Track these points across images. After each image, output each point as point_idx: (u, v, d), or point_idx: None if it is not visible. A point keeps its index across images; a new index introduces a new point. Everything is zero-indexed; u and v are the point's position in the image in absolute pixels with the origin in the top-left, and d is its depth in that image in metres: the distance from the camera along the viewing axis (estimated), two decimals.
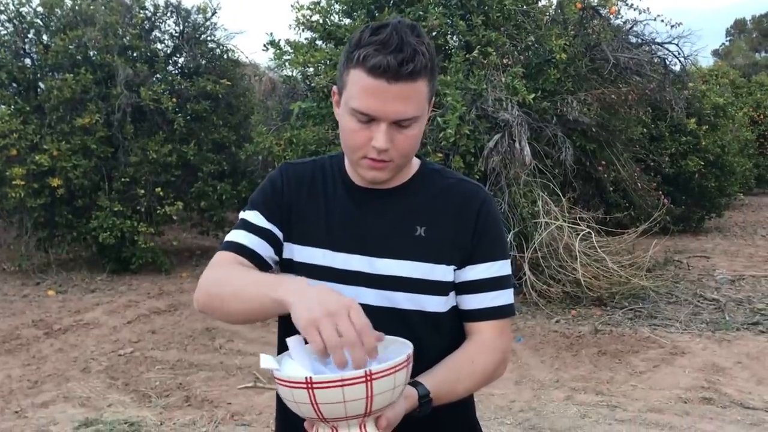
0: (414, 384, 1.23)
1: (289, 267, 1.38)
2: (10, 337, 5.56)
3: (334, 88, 1.34)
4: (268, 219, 1.37)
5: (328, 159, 1.45)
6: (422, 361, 1.29)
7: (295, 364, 1.10)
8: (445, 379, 1.29)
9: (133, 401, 4.29)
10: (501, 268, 1.37)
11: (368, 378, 1.02)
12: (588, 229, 6.47)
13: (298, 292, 1.10)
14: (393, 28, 1.19)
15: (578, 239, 6.32)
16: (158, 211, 7.90)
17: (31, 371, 4.81)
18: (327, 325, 1.03)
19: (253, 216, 1.38)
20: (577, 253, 6.21)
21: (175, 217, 8.14)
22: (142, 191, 7.80)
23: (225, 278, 1.28)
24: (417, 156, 1.42)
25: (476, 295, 1.35)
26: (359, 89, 1.21)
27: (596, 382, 4.56)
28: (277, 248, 1.38)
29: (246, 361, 4.97)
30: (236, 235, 1.37)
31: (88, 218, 7.68)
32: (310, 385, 1.01)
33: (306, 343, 1.10)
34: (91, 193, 7.82)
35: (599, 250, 6.36)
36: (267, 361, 1.09)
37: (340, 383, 1.01)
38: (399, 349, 1.15)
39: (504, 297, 1.37)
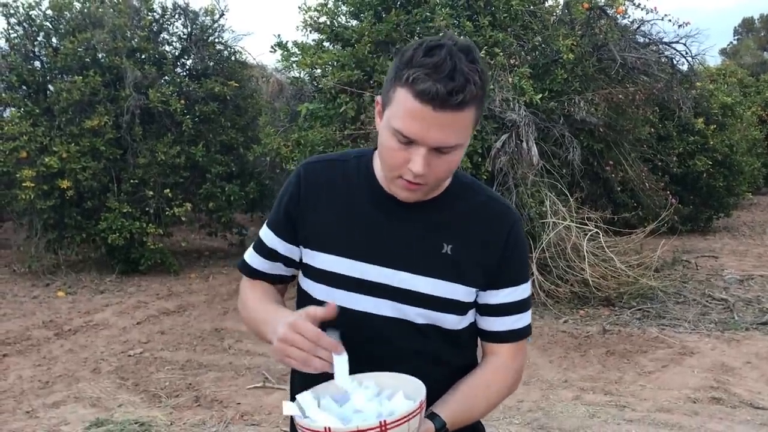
0: (431, 416, 1.24)
1: (308, 271, 1.38)
2: (21, 338, 5.60)
3: (378, 98, 1.29)
4: (280, 236, 1.40)
5: (355, 159, 1.39)
6: (438, 374, 1.31)
7: (318, 411, 1.18)
8: (461, 408, 1.30)
9: (143, 401, 4.32)
10: (524, 291, 1.37)
11: (383, 428, 1.06)
12: (596, 229, 6.46)
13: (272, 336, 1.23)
14: (448, 52, 1.14)
15: (586, 239, 6.32)
16: (167, 213, 7.94)
17: (42, 372, 4.85)
18: (284, 348, 1.17)
19: (267, 236, 1.42)
20: (585, 253, 6.20)
21: (183, 219, 8.17)
22: (151, 193, 7.83)
23: (246, 305, 1.45)
24: None
25: (498, 318, 1.36)
26: (404, 111, 1.16)
27: (605, 382, 4.56)
28: (290, 262, 1.42)
29: (255, 362, 4.99)
30: (251, 258, 1.46)
31: (98, 220, 7.71)
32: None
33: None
34: (100, 194, 7.86)
35: (607, 250, 6.35)
36: (290, 408, 1.19)
37: None
38: (411, 391, 1.18)
39: (524, 319, 1.38)
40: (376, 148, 1.36)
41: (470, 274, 1.31)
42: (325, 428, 1.07)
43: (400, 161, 1.21)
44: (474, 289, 1.32)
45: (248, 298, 1.44)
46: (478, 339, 1.43)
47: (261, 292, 1.44)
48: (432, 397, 1.26)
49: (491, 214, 1.35)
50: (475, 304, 1.35)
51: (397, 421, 1.07)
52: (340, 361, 1.17)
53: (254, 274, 1.46)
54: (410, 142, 1.18)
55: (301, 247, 1.38)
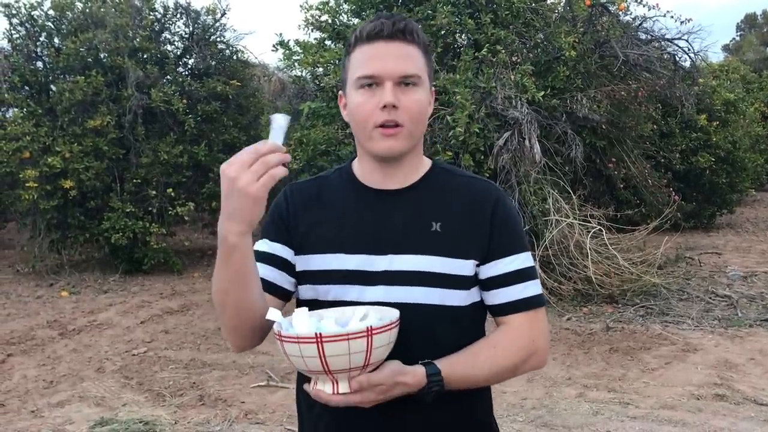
0: (426, 364, 1.25)
1: (306, 276, 1.38)
2: (25, 338, 5.62)
3: (340, 92, 1.37)
4: (275, 240, 1.39)
5: (335, 171, 1.47)
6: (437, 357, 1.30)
7: (302, 321, 1.22)
8: (460, 361, 1.29)
9: (148, 400, 4.33)
10: (524, 260, 1.37)
11: (318, 340, 1.12)
12: (599, 227, 6.46)
13: (231, 221, 1.15)
14: (385, 13, 1.31)
15: (589, 237, 6.31)
16: (170, 212, 7.95)
17: (47, 371, 4.86)
18: (250, 190, 1.10)
19: (260, 243, 1.41)
20: (588, 251, 6.20)
21: (186, 218, 8.19)
22: (154, 192, 7.85)
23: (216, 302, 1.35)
24: (429, 157, 1.43)
25: (503, 290, 1.35)
26: (361, 60, 1.29)
27: (608, 379, 4.56)
28: (288, 268, 1.39)
29: (258, 360, 5.00)
30: None
31: (101, 219, 7.74)
32: (278, 337, 1.18)
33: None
34: (103, 194, 7.88)
35: (610, 248, 6.35)
36: (273, 314, 1.22)
37: (296, 340, 1.14)
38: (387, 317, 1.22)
39: (532, 288, 1.36)
40: (355, 157, 1.43)
41: (463, 247, 1.33)
42: (277, 332, 1.18)
43: (370, 109, 1.28)
44: (471, 262, 1.33)
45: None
46: (484, 331, 1.42)
47: None
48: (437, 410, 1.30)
49: (474, 190, 1.38)
50: (478, 281, 1.35)
51: (335, 336, 1.13)
52: (278, 124, 1.17)
53: None
54: (375, 84, 1.27)
55: (295, 256, 1.39)
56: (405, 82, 1.28)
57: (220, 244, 1.19)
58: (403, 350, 1.24)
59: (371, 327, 1.14)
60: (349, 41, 1.32)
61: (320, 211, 1.39)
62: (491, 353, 1.32)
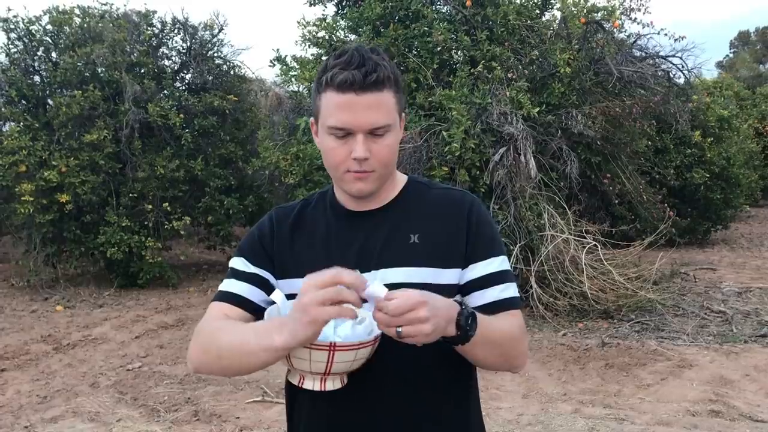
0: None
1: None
2: (20, 353, 5.59)
3: (311, 119, 1.39)
4: (253, 263, 1.41)
5: (318, 194, 1.50)
6: (425, 367, 1.33)
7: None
8: (480, 314, 1.27)
9: (142, 416, 4.31)
10: (501, 263, 1.39)
11: (331, 348, 1.17)
12: (594, 242, 6.47)
13: (283, 328, 1.16)
14: (354, 49, 1.29)
15: (584, 252, 6.33)
16: (166, 226, 7.95)
17: (41, 386, 4.84)
18: (310, 310, 1.11)
19: (240, 263, 1.42)
20: (584, 266, 6.21)
21: (182, 232, 8.18)
22: (150, 206, 7.85)
23: (220, 334, 1.31)
24: (405, 173, 1.47)
25: (481, 292, 1.37)
26: (333, 108, 1.28)
27: (604, 395, 4.55)
28: (267, 288, 1.39)
29: (254, 376, 4.98)
30: (226, 284, 1.41)
31: (96, 233, 7.73)
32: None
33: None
34: (99, 208, 7.88)
35: (605, 263, 6.36)
36: (276, 295, 1.28)
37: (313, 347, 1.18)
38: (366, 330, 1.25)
39: (510, 290, 1.39)
40: None
41: (443, 256, 1.36)
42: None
43: (342, 156, 1.31)
44: (454, 270, 1.36)
45: (226, 324, 1.32)
46: None
47: (236, 321, 1.35)
48: (420, 401, 1.34)
49: (449, 200, 1.42)
50: (459, 289, 1.37)
51: (347, 346, 1.18)
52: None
53: (233, 298, 1.38)
54: (346, 134, 1.29)
55: (278, 281, 1.40)
56: (376, 133, 1.29)
57: (265, 337, 1.19)
58: (384, 359, 1.27)
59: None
60: (320, 78, 1.31)
61: (303, 235, 1.42)
62: (501, 318, 1.34)
